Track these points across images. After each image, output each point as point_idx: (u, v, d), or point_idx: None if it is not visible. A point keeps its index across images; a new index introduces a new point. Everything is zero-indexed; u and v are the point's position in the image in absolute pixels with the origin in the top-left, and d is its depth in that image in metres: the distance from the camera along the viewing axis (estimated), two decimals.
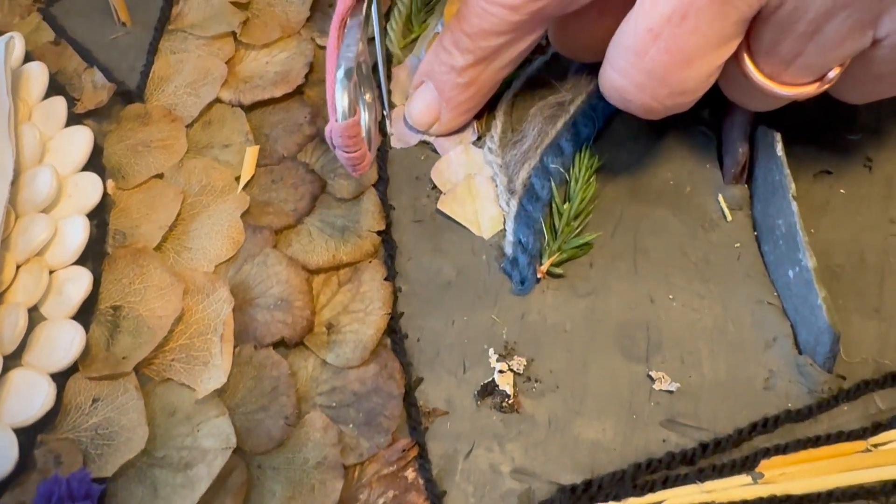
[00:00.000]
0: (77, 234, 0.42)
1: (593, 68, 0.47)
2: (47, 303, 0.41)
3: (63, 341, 0.39)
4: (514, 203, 0.43)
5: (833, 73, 0.37)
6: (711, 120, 0.46)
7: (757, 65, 0.38)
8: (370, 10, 0.38)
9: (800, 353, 0.39)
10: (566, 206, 0.43)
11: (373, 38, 0.44)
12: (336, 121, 0.34)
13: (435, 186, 0.45)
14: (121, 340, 0.40)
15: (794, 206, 0.40)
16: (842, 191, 0.45)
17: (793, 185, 0.40)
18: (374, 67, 0.46)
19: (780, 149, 0.42)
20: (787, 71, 0.38)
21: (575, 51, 0.46)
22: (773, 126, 0.43)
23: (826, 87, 0.38)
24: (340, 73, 0.34)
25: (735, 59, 0.38)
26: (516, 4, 0.39)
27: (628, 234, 0.43)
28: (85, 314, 0.41)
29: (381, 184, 0.45)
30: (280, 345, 0.40)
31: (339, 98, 0.34)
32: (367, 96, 0.39)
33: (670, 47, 0.36)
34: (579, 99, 0.46)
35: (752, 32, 0.37)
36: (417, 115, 0.45)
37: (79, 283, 0.41)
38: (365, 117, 0.40)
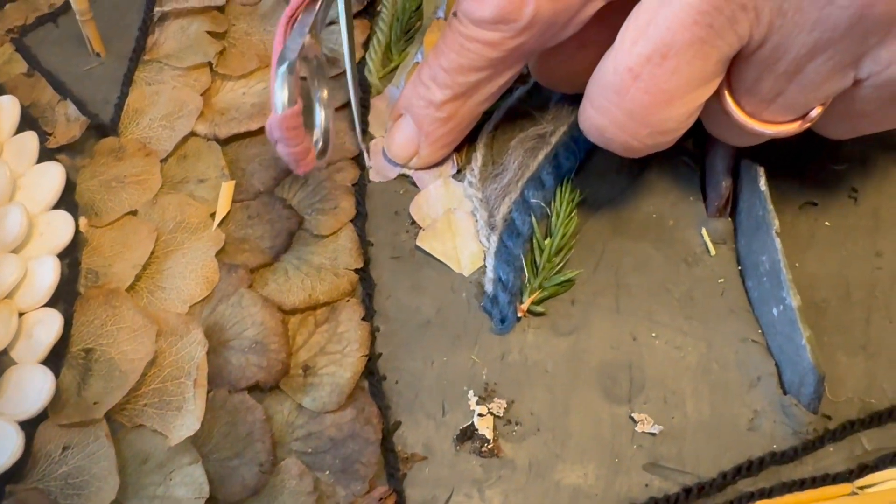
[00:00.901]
0: (48, 275, 0.41)
1: (574, 99, 0.47)
2: (17, 347, 0.40)
3: (33, 387, 0.38)
4: (494, 239, 0.43)
5: (815, 112, 0.37)
6: (694, 151, 0.46)
7: (738, 102, 0.38)
8: (325, 6, 0.37)
9: (784, 392, 0.39)
10: (547, 241, 0.42)
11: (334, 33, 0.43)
12: (275, 113, 0.34)
13: (414, 222, 0.44)
14: (92, 385, 0.39)
15: (778, 242, 0.39)
16: (827, 223, 0.44)
17: (776, 222, 0.40)
18: (348, 101, 0.45)
19: (763, 183, 0.41)
20: (769, 109, 0.37)
21: (555, 82, 0.45)
22: (756, 157, 0.43)
23: (808, 125, 0.37)
24: (282, 68, 0.33)
25: (716, 96, 0.37)
26: (494, 41, 0.38)
27: (610, 269, 0.43)
28: (55, 357, 0.40)
29: (359, 219, 0.44)
30: (255, 388, 0.39)
31: (278, 90, 0.33)
32: (324, 92, 0.39)
33: (650, 87, 0.35)
34: (560, 130, 0.46)
35: (733, 70, 0.36)
36: (396, 148, 0.45)
37: (49, 325, 0.40)
38: (320, 115, 0.39)
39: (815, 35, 0.33)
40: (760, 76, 0.36)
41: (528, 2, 0.37)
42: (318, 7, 0.35)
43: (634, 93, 0.36)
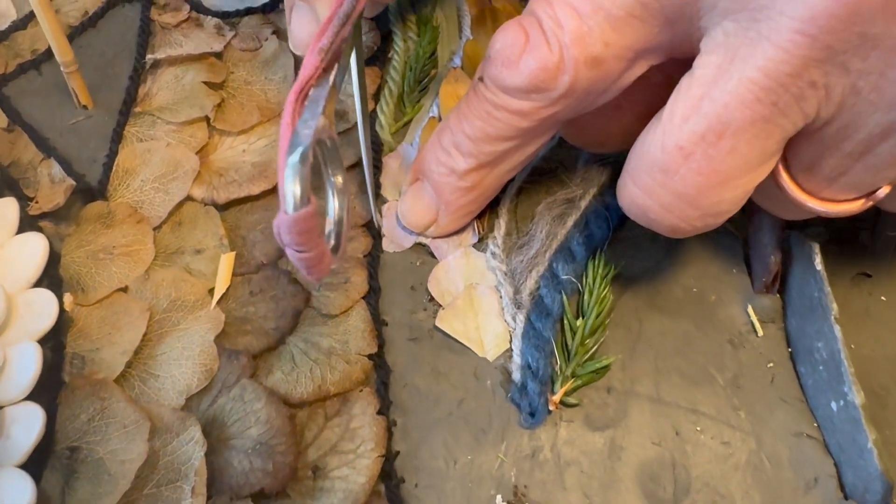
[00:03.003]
0: (29, 364, 0.37)
1: (606, 158, 0.43)
2: None
3: (9, 496, 0.34)
4: (521, 318, 0.39)
5: (883, 192, 0.33)
6: (737, 217, 0.42)
7: (795, 180, 0.34)
8: (340, 77, 0.32)
9: (846, 497, 0.35)
10: (579, 322, 0.39)
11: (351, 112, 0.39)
12: (285, 212, 0.28)
13: (432, 298, 0.40)
14: (78, 490, 0.35)
15: (838, 330, 0.36)
16: (883, 297, 0.41)
17: (835, 306, 0.36)
18: (359, 161, 0.41)
19: (818, 262, 0.37)
20: (830, 188, 0.33)
21: (586, 143, 0.41)
22: (806, 226, 0.39)
23: (872, 203, 0.34)
24: (294, 157, 0.28)
25: (770, 172, 0.34)
26: (526, 110, 0.34)
27: (649, 352, 0.39)
28: (37, 458, 0.36)
29: (372, 296, 0.40)
30: (260, 495, 0.35)
31: (288, 185, 0.28)
32: (338, 178, 0.33)
33: (704, 168, 0.31)
34: (590, 194, 0.42)
35: (792, 147, 0.33)
36: (412, 216, 0.41)
37: (30, 423, 0.36)
38: (333, 206, 0.33)
39: (893, 115, 0.29)
40: (823, 154, 0.32)
41: (565, 69, 0.33)
42: (331, 78, 0.31)
43: (685, 173, 0.32)
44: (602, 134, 0.39)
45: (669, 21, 0.32)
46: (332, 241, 0.32)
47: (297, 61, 0.47)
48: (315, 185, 0.29)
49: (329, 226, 0.32)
